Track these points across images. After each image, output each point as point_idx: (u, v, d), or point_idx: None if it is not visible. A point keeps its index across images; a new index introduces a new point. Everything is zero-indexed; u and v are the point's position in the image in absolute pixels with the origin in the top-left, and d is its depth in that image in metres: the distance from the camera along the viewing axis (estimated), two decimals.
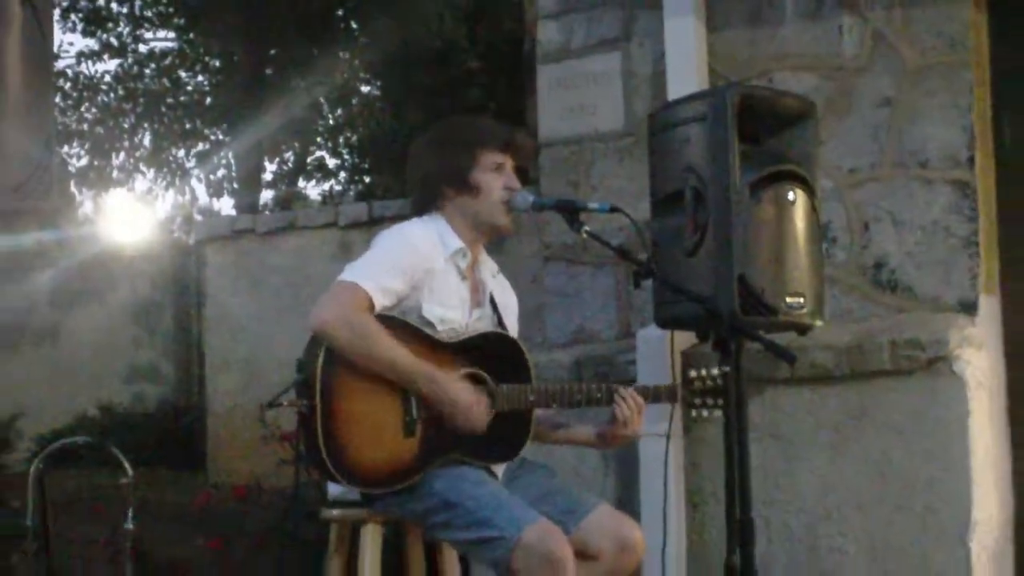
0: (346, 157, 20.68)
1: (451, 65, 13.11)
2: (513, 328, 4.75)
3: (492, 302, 4.70)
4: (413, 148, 4.82)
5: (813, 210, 4.97)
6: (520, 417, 4.54)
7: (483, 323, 4.63)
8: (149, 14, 20.59)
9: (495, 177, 4.63)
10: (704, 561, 5.67)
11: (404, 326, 4.43)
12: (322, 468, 4.34)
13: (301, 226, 9.99)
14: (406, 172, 4.84)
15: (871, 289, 5.79)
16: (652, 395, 4.69)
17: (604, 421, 4.66)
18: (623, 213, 4.71)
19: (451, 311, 4.54)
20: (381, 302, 4.38)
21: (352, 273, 4.41)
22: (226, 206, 21.36)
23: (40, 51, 3.96)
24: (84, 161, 21.58)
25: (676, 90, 5.83)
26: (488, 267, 4.75)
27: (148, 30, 20.91)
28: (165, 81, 21.12)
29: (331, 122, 20.71)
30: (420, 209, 4.69)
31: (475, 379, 4.47)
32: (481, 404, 4.43)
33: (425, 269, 4.49)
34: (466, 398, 4.41)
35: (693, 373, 4.68)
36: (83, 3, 20.26)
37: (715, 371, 4.58)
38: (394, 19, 13.98)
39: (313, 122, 20.19)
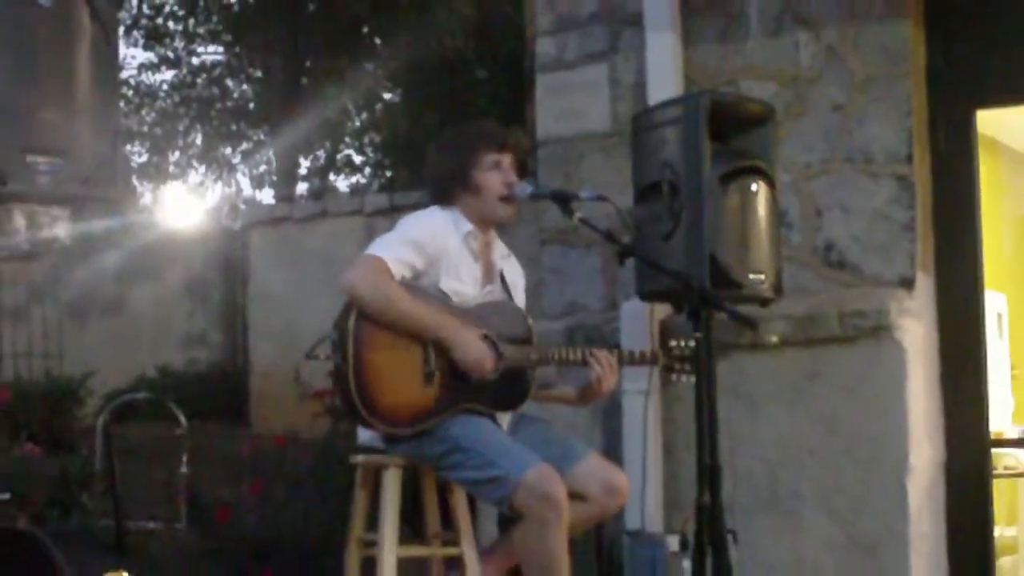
0: (370, 154, 20.66)
1: (461, 75, 13.10)
2: (520, 301, 4.76)
3: (502, 279, 4.71)
4: (427, 153, 4.85)
5: (773, 199, 4.99)
6: (523, 374, 4.56)
7: (493, 297, 4.65)
8: (201, 31, 20.59)
9: (494, 174, 4.63)
10: (678, 502, 5.68)
11: (424, 294, 4.45)
12: (353, 411, 4.37)
13: (332, 214, 10.02)
14: (423, 172, 4.87)
15: (822, 267, 5.79)
16: (637, 359, 4.71)
17: (584, 381, 4.67)
18: (609, 202, 4.73)
19: (464, 286, 4.55)
20: (399, 271, 4.39)
21: (375, 247, 4.44)
22: (267, 196, 21.31)
23: (107, 63, 3.96)
24: (144, 158, 21.65)
25: (655, 96, 5.82)
26: (499, 249, 4.76)
27: (200, 45, 20.90)
28: (214, 89, 21.12)
29: (358, 124, 20.69)
30: (434, 203, 4.71)
31: (485, 340, 4.48)
32: (486, 354, 4.44)
33: (440, 248, 4.50)
34: (473, 341, 4.42)
35: (672, 343, 4.70)
36: (144, 21, 20.25)
37: (690, 342, 4.60)
38: (412, 35, 13.96)
39: (342, 124, 20.16)
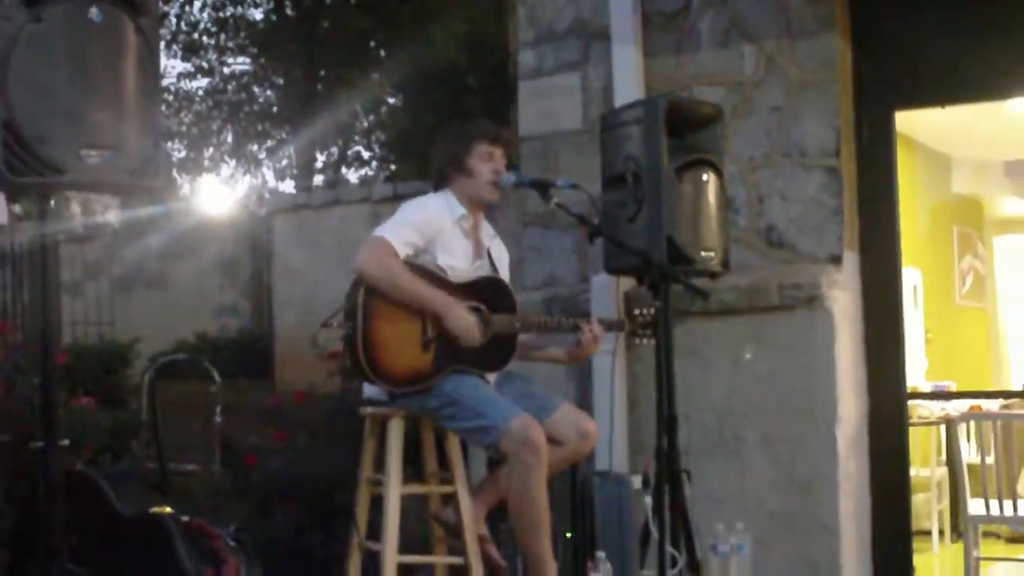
0: (377, 150, 20.56)
1: (455, 82, 13.06)
2: (504, 275, 4.75)
3: (489, 255, 4.70)
4: (433, 141, 4.85)
5: (722, 188, 4.98)
6: (508, 338, 4.55)
7: (481, 271, 4.64)
8: (231, 45, 20.47)
9: (486, 163, 4.62)
10: (640, 446, 5.68)
11: (423, 270, 4.44)
12: (362, 372, 4.36)
13: (344, 201, 10.00)
14: (428, 156, 4.85)
15: (764, 246, 5.79)
16: (606, 325, 4.71)
17: (571, 344, 4.68)
18: (582, 190, 4.73)
19: (457, 261, 4.54)
20: (403, 251, 4.38)
21: (382, 230, 4.43)
22: (288, 187, 21.22)
23: (150, 71, 3.95)
24: (183, 154, 21.49)
25: (621, 99, 5.81)
26: (487, 229, 4.75)
27: (230, 56, 20.78)
28: (243, 95, 21.00)
29: (366, 124, 20.57)
30: (435, 187, 4.71)
31: (475, 310, 4.48)
32: (474, 324, 4.43)
33: (437, 229, 4.49)
34: (463, 314, 4.41)
35: (636, 311, 4.70)
36: (182, 36, 20.17)
37: (651, 310, 4.60)
38: (413, 49, 13.91)
39: (352, 124, 20.05)
